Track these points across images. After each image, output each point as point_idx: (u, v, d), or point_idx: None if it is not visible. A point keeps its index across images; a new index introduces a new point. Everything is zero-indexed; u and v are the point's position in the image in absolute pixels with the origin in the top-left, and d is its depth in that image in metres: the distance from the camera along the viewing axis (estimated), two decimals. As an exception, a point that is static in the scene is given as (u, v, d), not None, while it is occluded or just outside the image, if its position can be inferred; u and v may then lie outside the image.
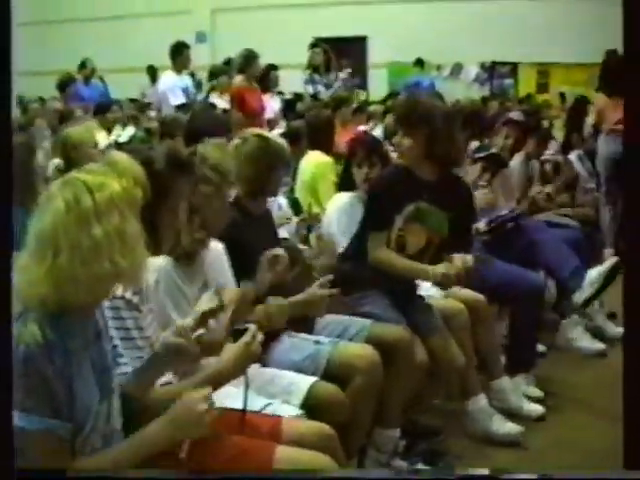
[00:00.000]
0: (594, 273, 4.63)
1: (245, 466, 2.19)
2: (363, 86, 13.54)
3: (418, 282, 3.78)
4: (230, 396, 2.42)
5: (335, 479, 2.39)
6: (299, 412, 2.75)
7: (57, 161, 4.52)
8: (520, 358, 4.30)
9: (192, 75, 8.68)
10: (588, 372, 4.61)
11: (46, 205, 1.83)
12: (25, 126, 7.12)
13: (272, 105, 8.30)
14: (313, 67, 9.66)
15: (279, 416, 2.56)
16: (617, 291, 5.83)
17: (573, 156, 6.83)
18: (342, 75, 9.94)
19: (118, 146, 5.09)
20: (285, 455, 2.25)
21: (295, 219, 4.46)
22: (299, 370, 3.05)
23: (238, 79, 7.35)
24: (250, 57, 7.34)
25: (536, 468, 3.36)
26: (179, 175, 2.30)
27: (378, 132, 6.63)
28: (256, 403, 2.61)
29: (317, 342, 3.21)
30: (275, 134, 4.15)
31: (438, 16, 13.58)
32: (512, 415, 3.92)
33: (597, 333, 5.06)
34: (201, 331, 2.14)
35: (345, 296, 3.54)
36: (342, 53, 11.16)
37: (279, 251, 3.05)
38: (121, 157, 1.97)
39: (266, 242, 3.29)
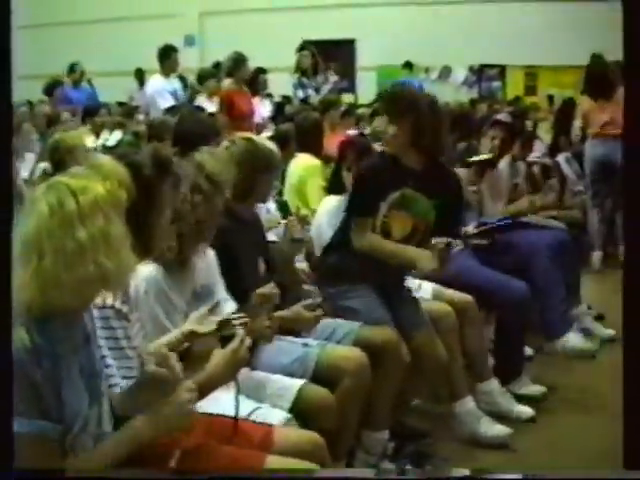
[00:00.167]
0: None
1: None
2: (352, 89, 13.58)
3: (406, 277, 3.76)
4: (220, 402, 2.42)
5: (325, 479, 2.41)
6: (288, 416, 2.74)
7: (44, 165, 4.51)
8: (507, 364, 4.29)
9: (181, 78, 8.67)
10: (578, 373, 4.61)
11: (30, 209, 1.83)
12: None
13: (261, 109, 8.30)
14: (301, 70, 9.66)
15: (270, 425, 2.55)
16: (604, 293, 5.85)
17: (561, 158, 6.86)
18: (332, 78, 9.95)
19: (106, 150, 5.08)
20: (276, 465, 2.25)
21: (283, 222, 4.44)
22: (288, 373, 3.05)
23: (227, 82, 7.35)
24: (239, 60, 7.34)
25: (526, 470, 3.36)
26: (165, 176, 2.29)
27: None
28: (245, 407, 2.60)
29: (305, 345, 3.21)
30: (263, 137, 4.14)
31: (426, 19, 13.60)
32: (502, 417, 3.92)
33: (586, 335, 5.06)
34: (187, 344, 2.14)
35: (331, 288, 3.53)
36: (331, 56, 11.17)
37: (268, 289, 2.96)
38: (105, 160, 1.97)
39: (255, 246, 3.28)
